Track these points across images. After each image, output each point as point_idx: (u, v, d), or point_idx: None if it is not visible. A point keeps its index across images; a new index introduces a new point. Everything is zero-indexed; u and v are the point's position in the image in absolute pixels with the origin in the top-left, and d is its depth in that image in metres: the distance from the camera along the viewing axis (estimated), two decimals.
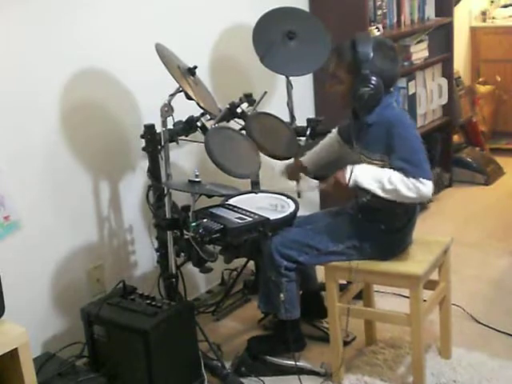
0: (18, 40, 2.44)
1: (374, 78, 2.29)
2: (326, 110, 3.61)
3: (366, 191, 2.32)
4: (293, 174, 2.76)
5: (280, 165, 2.84)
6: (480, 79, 5.34)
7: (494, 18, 5.47)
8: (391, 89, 2.42)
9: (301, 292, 2.84)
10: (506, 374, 2.54)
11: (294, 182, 2.79)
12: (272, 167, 3.05)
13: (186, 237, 2.42)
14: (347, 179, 2.30)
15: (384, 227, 2.44)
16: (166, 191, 2.55)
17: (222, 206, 2.59)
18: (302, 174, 2.76)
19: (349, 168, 2.33)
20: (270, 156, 2.74)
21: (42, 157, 2.57)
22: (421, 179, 2.24)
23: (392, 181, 2.25)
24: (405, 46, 4.08)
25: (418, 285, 2.35)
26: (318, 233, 2.53)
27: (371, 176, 2.30)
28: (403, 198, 2.28)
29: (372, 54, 2.29)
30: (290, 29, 3.04)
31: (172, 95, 2.49)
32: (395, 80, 2.44)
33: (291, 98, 3.19)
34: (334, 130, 2.75)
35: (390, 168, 2.30)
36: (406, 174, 2.25)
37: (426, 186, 2.24)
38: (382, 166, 2.34)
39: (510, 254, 3.54)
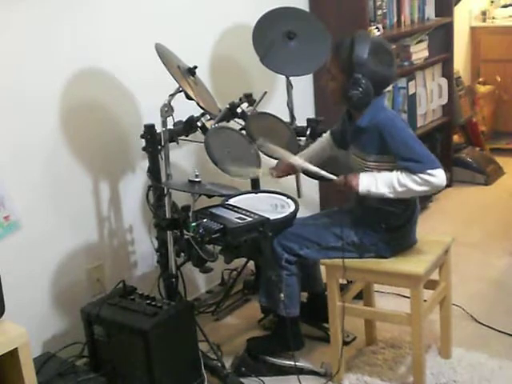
0: (18, 40, 2.44)
1: (363, 82, 2.30)
2: (325, 110, 3.61)
3: (378, 197, 2.35)
4: (283, 172, 2.73)
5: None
6: (480, 79, 5.34)
7: (493, 18, 5.47)
8: (384, 90, 2.44)
9: (307, 294, 2.85)
10: (506, 373, 2.55)
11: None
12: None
13: (186, 237, 2.42)
14: (359, 187, 2.34)
15: (384, 225, 2.44)
16: (165, 191, 2.55)
17: (222, 206, 2.58)
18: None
19: (361, 176, 2.35)
20: (269, 156, 2.74)
21: (42, 157, 2.57)
22: (428, 171, 2.26)
23: (402, 182, 2.29)
24: (405, 46, 4.08)
25: (418, 284, 2.35)
26: (319, 228, 2.54)
27: (381, 182, 2.32)
28: (418, 194, 2.34)
29: (366, 56, 2.29)
30: (290, 29, 3.03)
31: (172, 95, 2.49)
32: (388, 83, 2.45)
33: (291, 98, 3.18)
34: (326, 134, 2.74)
35: (390, 170, 2.33)
36: (413, 171, 2.27)
37: (437, 177, 2.27)
38: (378, 168, 2.36)
39: (510, 254, 3.54)
